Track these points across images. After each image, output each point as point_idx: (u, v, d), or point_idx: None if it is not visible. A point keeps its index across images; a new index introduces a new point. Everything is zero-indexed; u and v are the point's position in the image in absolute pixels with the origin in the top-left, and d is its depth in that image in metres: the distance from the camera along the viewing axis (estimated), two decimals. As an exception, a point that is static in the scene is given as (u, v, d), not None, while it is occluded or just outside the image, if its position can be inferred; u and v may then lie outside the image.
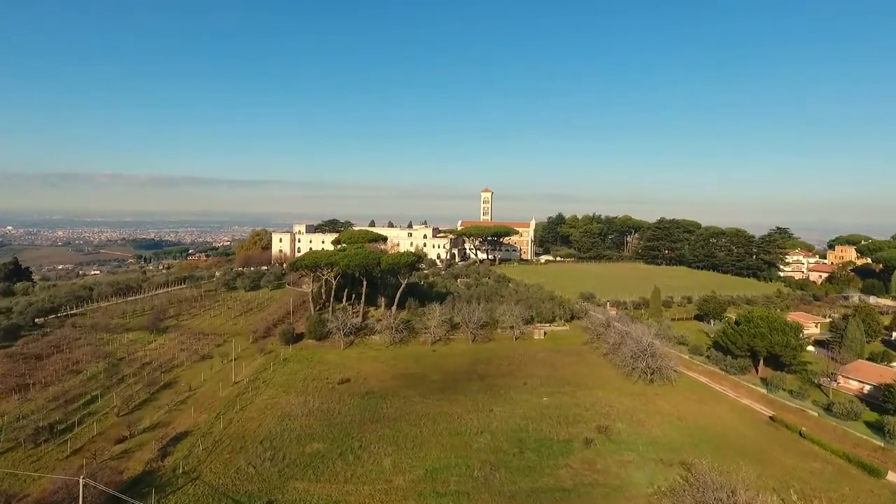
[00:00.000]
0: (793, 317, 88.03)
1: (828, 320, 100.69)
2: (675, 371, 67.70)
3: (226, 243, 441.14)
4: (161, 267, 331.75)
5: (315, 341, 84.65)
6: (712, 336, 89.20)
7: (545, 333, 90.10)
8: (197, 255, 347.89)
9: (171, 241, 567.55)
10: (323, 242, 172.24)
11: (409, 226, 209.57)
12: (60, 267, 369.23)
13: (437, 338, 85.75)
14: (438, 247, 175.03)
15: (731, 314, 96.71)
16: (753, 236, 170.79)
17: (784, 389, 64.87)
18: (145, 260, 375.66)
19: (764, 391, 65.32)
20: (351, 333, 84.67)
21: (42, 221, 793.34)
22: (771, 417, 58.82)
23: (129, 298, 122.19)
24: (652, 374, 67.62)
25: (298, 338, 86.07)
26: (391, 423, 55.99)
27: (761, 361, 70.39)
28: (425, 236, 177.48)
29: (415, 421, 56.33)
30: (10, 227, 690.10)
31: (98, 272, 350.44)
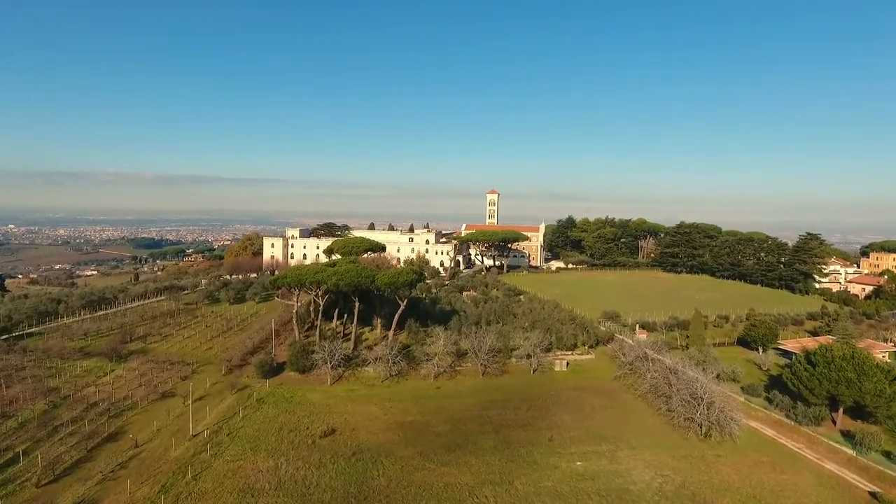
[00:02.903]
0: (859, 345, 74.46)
1: (891, 346, 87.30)
2: (738, 424, 54.52)
3: (226, 242, 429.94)
4: (156, 268, 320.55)
5: (297, 374, 72.05)
6: (765, 369, 76.22)
7: (567, 364, 77.21)
8: (194, 255, 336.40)
9: (171, 240, 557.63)
10: (318, 248, 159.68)
11: (411, 229, 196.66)
12: (58, 267, 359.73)
13: (441, 370, 73.00)
14: (442, 253, 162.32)
15: (785, 341, 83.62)
16: (786, 243, 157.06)
17: (877, 450, 51.73)
18: (141, 260, 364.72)
19: (851, 451, 52.21)
20: (340, 365, 71.93)
21: (44, 220, 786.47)
22: (873, 495, 45.71)
23: (100, 313, 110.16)
24: (708, 426, 54.66)
25: (279, 369, 73.58)
26: (383, 502, 43.30)
27: (841, 410, 57.26)
28: (427, 241, 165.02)
29: (413, 500, 43.60)
30: (11, 226, 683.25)
31: (95, 272, 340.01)
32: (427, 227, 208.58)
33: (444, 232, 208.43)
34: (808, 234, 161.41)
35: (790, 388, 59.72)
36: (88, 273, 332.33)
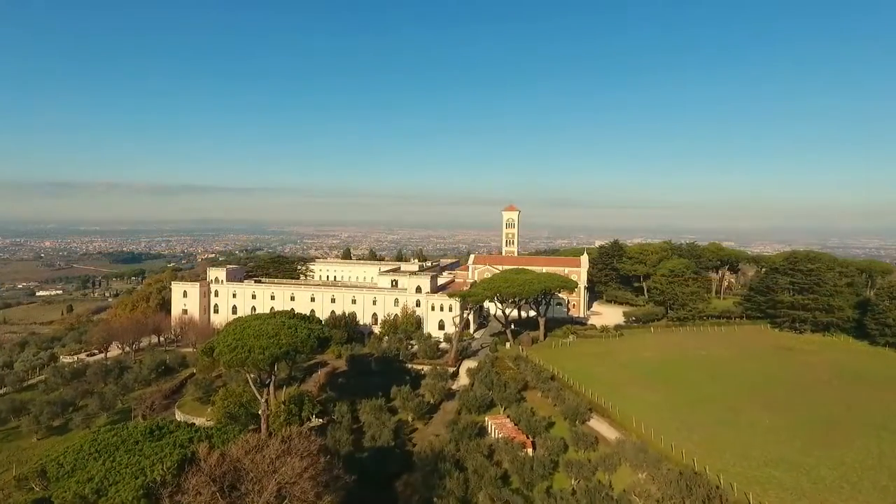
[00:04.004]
0: None
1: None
2: None
3: (210, 255, 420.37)
4: (107, 294, 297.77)
5: None
6: None
7: None
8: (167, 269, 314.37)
9: (159, 252, 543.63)
10: (253, 297, 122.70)
11: (399, 258, 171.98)
12: (21, 286, 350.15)
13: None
14: (443, 308, 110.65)
15: None
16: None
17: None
18: (95, 283, 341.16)
19: None
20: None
21: (34, 231, 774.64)
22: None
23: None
24: None
25: None
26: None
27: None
28: (419, 289, 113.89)
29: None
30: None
31: (60, 291, 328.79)
32: (422, 266, 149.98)
33: (444, 265, 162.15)
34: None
35: None
36: (53, 292, 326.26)
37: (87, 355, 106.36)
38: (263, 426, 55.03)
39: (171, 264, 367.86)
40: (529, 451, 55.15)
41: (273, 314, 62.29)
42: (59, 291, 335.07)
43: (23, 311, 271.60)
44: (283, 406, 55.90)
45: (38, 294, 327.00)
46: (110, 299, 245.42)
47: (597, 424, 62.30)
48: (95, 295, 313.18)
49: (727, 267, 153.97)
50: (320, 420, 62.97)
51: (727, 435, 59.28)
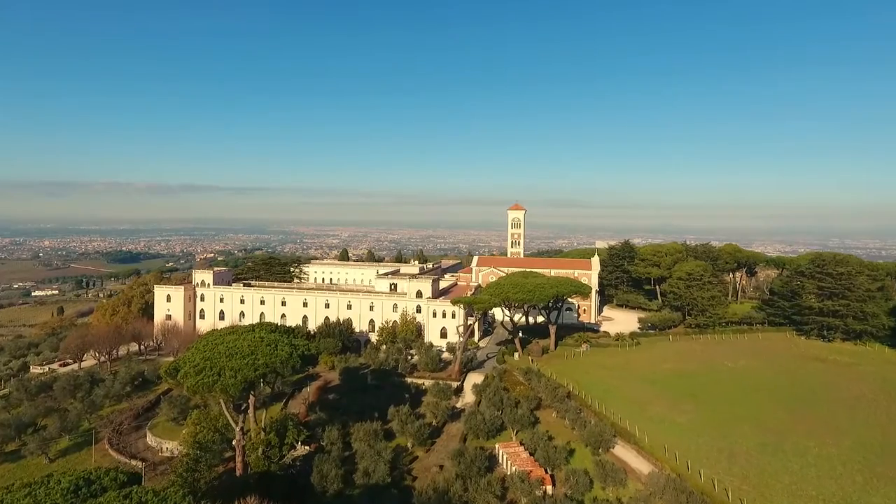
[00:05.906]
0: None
1: None
2: None
3: (209, 255, 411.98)
4: (101, 294, 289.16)
5: None
6: None
7: None
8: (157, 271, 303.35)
9: (157, 252, 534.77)
10: (242, 302, 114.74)
11: (398, 260, 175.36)
12: (17, 286, 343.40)
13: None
14: (445, 315, 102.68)
15: None
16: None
17: None
18: (87, 284, 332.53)
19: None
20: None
21: (33, 230, 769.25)
22: None
23: None
24: None
25: None
26: None
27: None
28: (420, 294, 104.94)
29: None
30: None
31: (56, 291, 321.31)
32: (423, 268, 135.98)
33: (446, 266, 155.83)
34: None
35: None
36: (49, 292, 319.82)
37: (61, 365, 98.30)
38: (238, 460, 47.16)
39: (170, 264, 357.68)
40: (549, 488, 47.61)
41: (252, 327, 54.40)
42: (55, 291, 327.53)
43: (14, 311, 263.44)
44: (262, 435, 47.98)
45: (33, 294, 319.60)
46: (103, 300, 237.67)
47: (623, 452, 54.67)
48: (89, 295, 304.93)
49: (745, 269, 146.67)
50: (307, 448, 55.25)
51: (773, 465, 52.24)
